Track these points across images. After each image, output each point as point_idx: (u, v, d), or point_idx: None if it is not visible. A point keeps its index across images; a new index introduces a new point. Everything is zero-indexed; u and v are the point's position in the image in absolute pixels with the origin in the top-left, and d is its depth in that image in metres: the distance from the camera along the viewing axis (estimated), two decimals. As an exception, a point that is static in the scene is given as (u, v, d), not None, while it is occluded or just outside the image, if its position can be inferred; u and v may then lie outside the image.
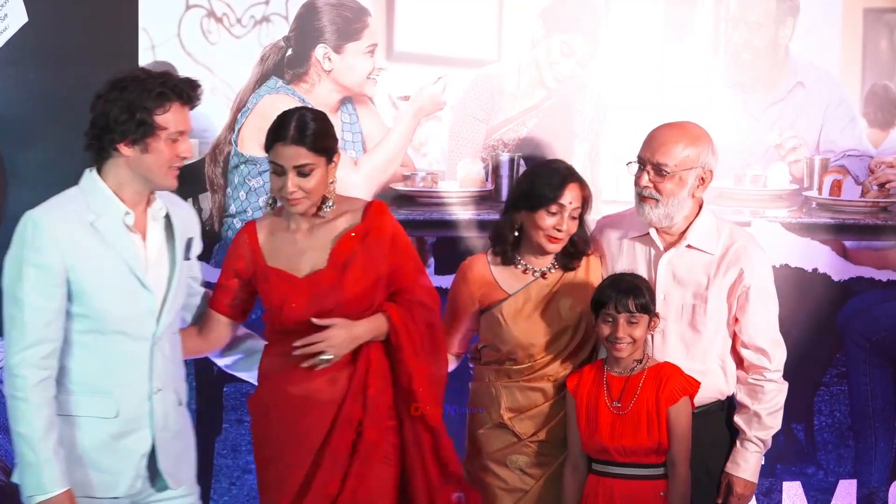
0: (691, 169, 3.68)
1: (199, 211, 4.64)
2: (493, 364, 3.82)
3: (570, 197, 3.70)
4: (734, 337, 3.77)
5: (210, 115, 4.62)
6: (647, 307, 3.63)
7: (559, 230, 3.70)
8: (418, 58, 4.81)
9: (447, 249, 4.76)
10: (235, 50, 4.64)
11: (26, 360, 3.10)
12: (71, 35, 4.44)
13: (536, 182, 3.73)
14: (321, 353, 3.42)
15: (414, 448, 3.52)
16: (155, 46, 4.57)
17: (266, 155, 3.46)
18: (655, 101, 4.81)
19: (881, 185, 5.01)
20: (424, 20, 4.80)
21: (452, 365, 3.87)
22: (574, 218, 3.72)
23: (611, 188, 4.71)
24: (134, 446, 3.23)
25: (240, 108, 4.64)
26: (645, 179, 3.69)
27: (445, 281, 4.19)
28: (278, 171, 3.41)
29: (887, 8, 5.05)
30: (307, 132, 3.39)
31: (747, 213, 4.89)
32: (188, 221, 3.43)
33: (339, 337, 3.43)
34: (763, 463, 3.87)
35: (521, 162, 4.82)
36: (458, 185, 4.82)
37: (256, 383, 3.63)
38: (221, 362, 3.74)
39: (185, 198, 4.57)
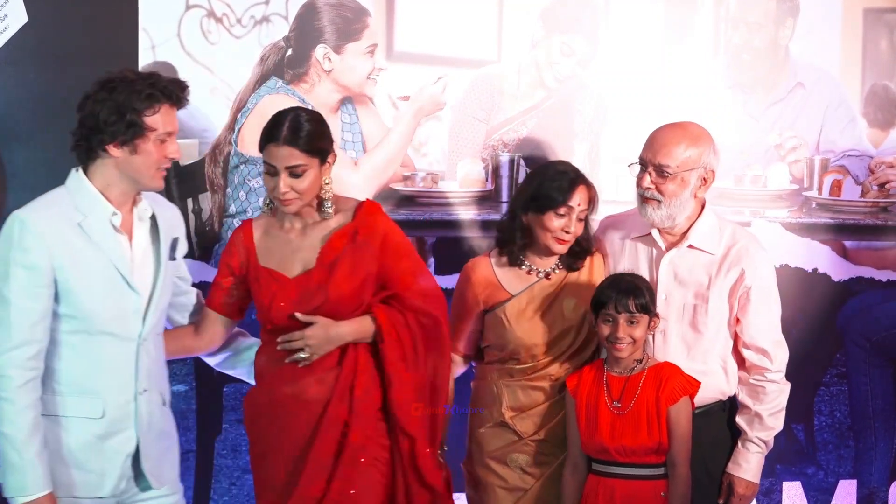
0: (693, 169, 3.68)
1: (199, 211, 4.64)
2: (495, 363, 3.82)
3: (578, 199, 3.70)
4: (736, 337, 3.77)
5: (210, 115, 4.62)
6: (647, 307, 3.63)
7: (567, 232, 3.71)
8: (418, 58, 4.81)
9: (447, 250, 4.76)
10: (235, 50, 4.64)
11: (12, 360, 3.09)
12: (71, 35, 4.43)
13: (544, 184, 3.73)
14: (300, 350, 3.42)
15: (397, 454, 3.50)
16: (155, 46, 4.57)
17: (266, 155, 3.47)
18: (655, 101, 4.81)
19: (881, 185, 5.01)
20: (424, 20, 4.80)
21: (461, 368, 3.89)
22: (581, 220, 3.73)
23: (611, 188, 4.71)
24: (119, 447, 3.23)
25: (240, 108, 4.63)
26: (647, 181, 3.68)
27: (445, 281, 4.19)
28: (271, 171, 3.40)
29: (887, 8, 5.05)
30: (300, 133, 3.38)
31: (747, 214, 4.89)
32: (173, 222, 3.42)
33: (316, 337, 3.42)
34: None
35: (521, 162, 4.82)
36: (458, 185, 4.82)
37: (252, 382, 3.63)
38: (211, 361, 3.74)
39: (184, 198, 4.60)
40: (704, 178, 3.71)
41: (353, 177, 4.66)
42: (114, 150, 3.17)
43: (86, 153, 3.20)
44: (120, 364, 3.22)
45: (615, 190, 4.67)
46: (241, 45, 4.65)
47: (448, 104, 4.80)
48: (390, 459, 3.50)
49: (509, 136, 4.88)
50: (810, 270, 4.95)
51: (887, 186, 5.01)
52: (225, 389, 4.67)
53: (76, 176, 3.22)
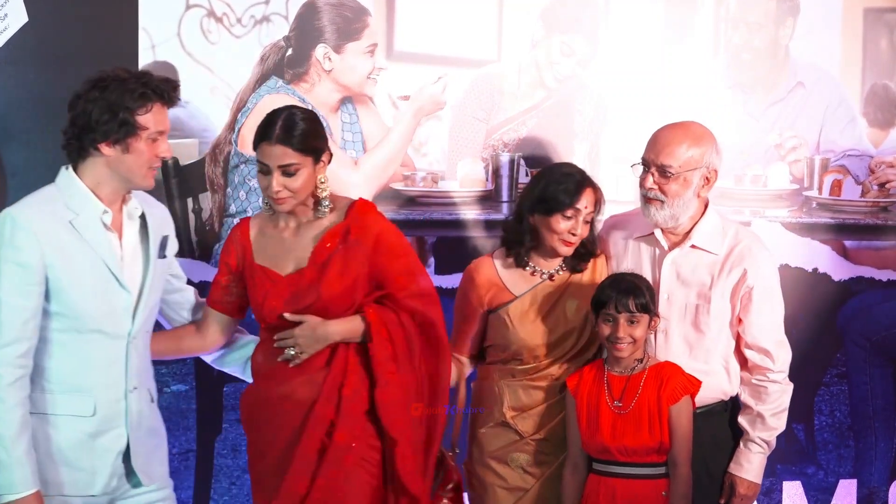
0: (696, 169, 3.68)
1: (199, 211, 4.64)
2: (497, 363, 3.82)
3: (585, 202, 3.70)
4: (738, 337, 3.77)
5: (210, 115, 4.62)
6: (648, 307, 3.62)
7: (574, 234, 3.71)
8: (418, 58, 4.81)
9: (447, 249, 4.76)
10: (235, 50, 4.64)
11: (2, 358, 3.08)
12: (71, 35, 4.43)
13: (551, 186, 3.72)
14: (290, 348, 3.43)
15: (388, 455, 3.48)
16: (155, 46, 4.57)
17: (265, 155, 3.46)
18: (655, 101, 4.82)
19: (881, 185, 5.02)
20: (424, 20, 4.80)
21: (469, 369, 3.88)
22: (587, 222, 3.73)
23: (611, 188, 4.68)
24: (110, 444, 3.23)
25: (240, 107, 4.63)
26: (650, 181, 3.68)
27: (445, 281, 4.20)
28: (264, 169, 3.39)
29: (887, 8, 5.05)
30: (294, 132, 3.36)
31: (747, 213, 4.90)
32: (162, 220, 3.41)
33: (305, 335, 3.41)
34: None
35: (522, 162, 4.82)
36: (458, 185, 4.83)
37: (245, 378, 3.64)
38: (206, 357, 3.73)
39: (185, 197, 4.60)
40: (707, 178, 3.71)
41: (354, 176, 4.66)
42: (105, 149, 3.17)
43: (77, 151, 3.20)
44: (110, 362, 3.22)
45: (615, 190, 4.66)
46: (242, 44, 4.65)
47: (448, 104, 4.80)
48: (381, 460, 3.48)
49: (509, 135, 4.88)
50: (810, 270, 4.96)
51: (887, 186, 5.01)
52: (225, 389, 4.67)
53: (66, 174, 3.22)
